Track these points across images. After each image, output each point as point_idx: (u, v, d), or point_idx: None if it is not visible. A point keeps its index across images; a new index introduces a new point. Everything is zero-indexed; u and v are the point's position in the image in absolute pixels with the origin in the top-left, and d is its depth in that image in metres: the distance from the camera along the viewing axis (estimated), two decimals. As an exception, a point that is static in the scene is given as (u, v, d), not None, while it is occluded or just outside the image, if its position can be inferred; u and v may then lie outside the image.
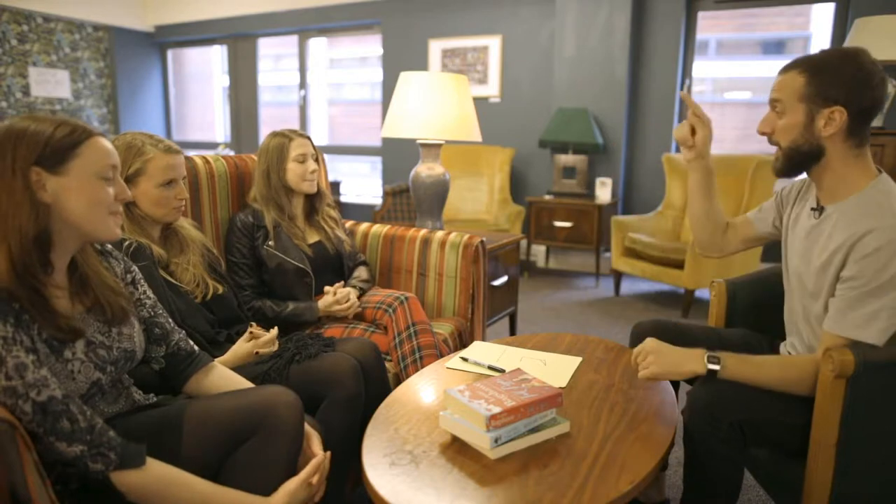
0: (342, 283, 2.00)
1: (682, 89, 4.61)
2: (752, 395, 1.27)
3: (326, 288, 1.94)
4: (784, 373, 1.29)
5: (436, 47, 5.41)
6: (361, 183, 6.52)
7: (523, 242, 4.78)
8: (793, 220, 1.47)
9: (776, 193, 1.58)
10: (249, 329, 1.55)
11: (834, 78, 1.24)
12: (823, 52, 1.29)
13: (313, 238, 2.05)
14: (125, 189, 1.07)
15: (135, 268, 1.25)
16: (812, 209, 1.39)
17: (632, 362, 1.41)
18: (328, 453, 1.20)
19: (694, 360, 1.32)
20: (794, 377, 1.28)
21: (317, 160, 2.04)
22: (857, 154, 1.29)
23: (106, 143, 1.04)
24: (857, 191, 1.29)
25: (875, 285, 1.20)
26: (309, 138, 2.03)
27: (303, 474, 1.12)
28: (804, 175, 1.40)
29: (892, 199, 1.25)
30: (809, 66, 1.27)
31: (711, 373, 1.29)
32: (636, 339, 1.71)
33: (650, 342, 1.38)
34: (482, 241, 2.20)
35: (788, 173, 1.36)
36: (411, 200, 4.42)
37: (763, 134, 1.37)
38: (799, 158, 1.32)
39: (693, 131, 1.52)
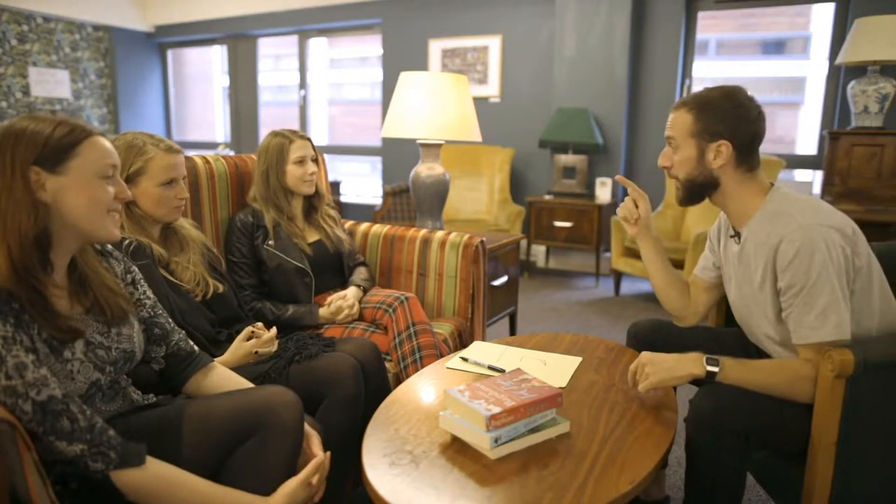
0: (341, 290, 2.00)
1: (682, 89, 4.61)
2: (755, 401, 1.27)
3: (329, 299, 1.94)
4: (778, 377, 1.29)
5: (436, 47, 5.41)
6: (361, 183, 6.52)
7: (523, 242, 4.78)
8: (724, 253, 1.55)
9: (708, 237, 1.65)
10: (251, 328, 1.54)
11: (717, 114, 1.36)
12: (707, 90, 1.40)
13: (313, 237, 2.05)
14: (125, 188, 1.07)
15: (135, 268, 1.25)
16: (731, 236, 1.50)
17: (629, 380, 1.40)
18: (328, 453, 1.20)
19: (691, 363, 1.32)
20: (786, 381, 1.28)
21: (316, 161, 2.04)
22: (749, 178, 1.40)
23: (105, 143, 1.04)
24: (756, 209, 1.39)
25: (811, 284, 1.25)
26: (309, 140, 2.03)
27: (302, 474, 1.12)
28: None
29: (789, 205, 1.34)
30: (696, 105, 1.39)
31: (710, 375, 1.29)
32: (633, 339, 1.71)
33: (644, 355, 1.38)
34: (482, 241, 2.20)
35: (690, 202, 1.47)
36: (411, 200, 4.42)
37: (663, 168, 1.48)
38: (697, 189, 1.44)
39: (636, 205, 1.62)
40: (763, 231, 1.36)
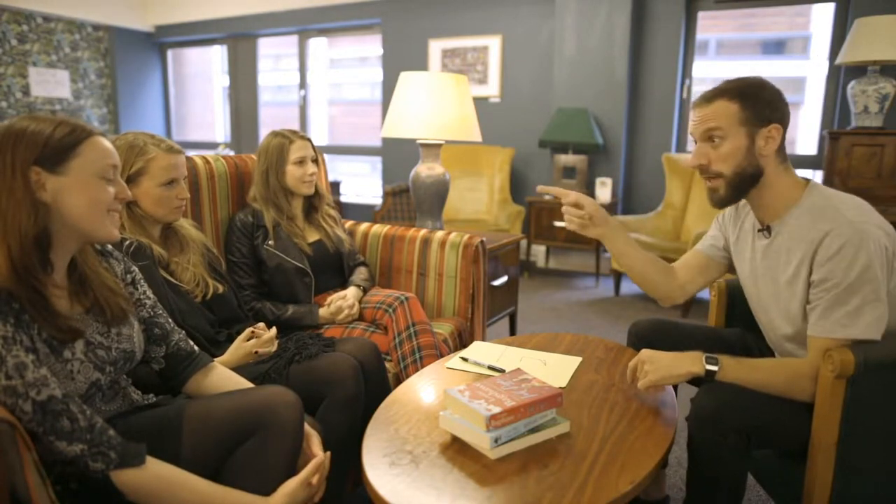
0: (341, 290, 2.00)
1: (682, 89, 4.61)
2: (756, 400, 1.27)
3: (329, 299, 1.94)
4: (777, 376, 1.29)
5: (436, 47, 5.41)
6: (361, 183, 6.52)
7: (523, 242, 4.78)
8: (734, 245, 1.52)
9: (716, 220, 1.62)
10: (252, 329, 1.54)
11: (763, 99, 1.30)
12: (733, 81, 1.34)
13: (313, 237, 2.05)
14: (125, 188, 1.07)
15: (135, 268, 1.25)
16: (759, 230, 1.43)
17: (628, 377, 1.40)
18: (328, 453, 1.20)
19: (691, 362, 1.32)
20: (785, 379, 1.27)
21: (316, 161, 2.04)
22: (786, 168, 1.35)
23: (106, 143, 1.04)
24: (795, 203, 1.34)
25: (848, 282, 1.22)
26: (309, 140, 2.03)
27: (302, 474, 1.12)
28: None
29: (832, 200, 1.30)
30: (737, 93, 1.31)
31: (710, 374, 1.29)
32: (633, 338, 1.71)
33: (644, 352, 1.38)
34: (482, 241, 2.20)
35: (731, 201, 1.39)
36: (411, 200, 4.42)
37: (698, 167, 1.37)
38: (744, 184, 1.35)
39: (579, 207, 1.54)
40: (803, 225, 1.31)
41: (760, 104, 1.30)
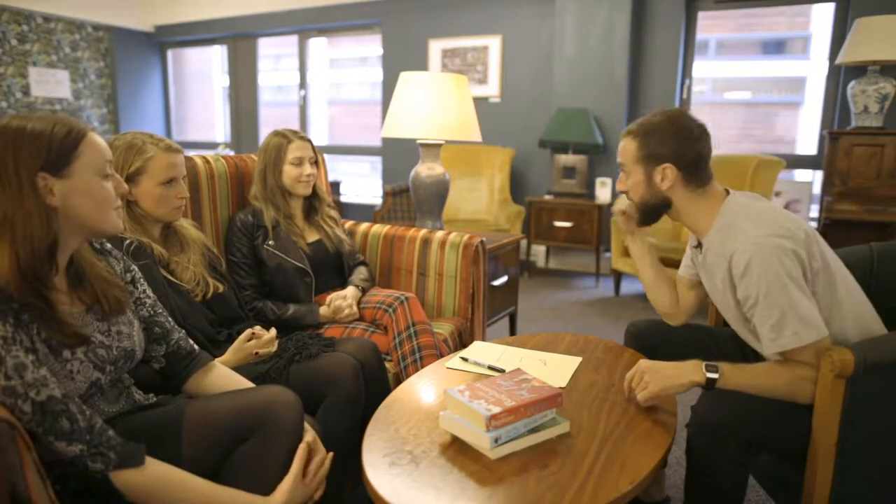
0: (341, 290, 2.00)
1: (682, 89, 4.61)
2: (757, 407, 1.27)
3: (328, 299, 1.94)
4: (778, 380, 1.28)
5: (436, 47, 5.40)
6: (361, 183, 6.52)
7: (523, 242, 4.78)
8: (697, 262, 1.58)
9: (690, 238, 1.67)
10: (252, 330, 1.54)
11: (659, 139, 1.42)
12: (650, 116, 1.46)
13: (313, 237, 2.05)
14: (121, 182, 1.08)
15: (134, 267, 1.25)
16: (694, 247, 1.55)
17: (625, 388, 1.37)
18: (312, 437, 1.19)
19: (691, 371, 1.30)
20: (786, 383, 1.27)
21: (316, 163, 2.03)
22: (700, 194, 1.44)
23: (99, 139, 1.04)
24: (713, 221, 1.43)
25: (763, 296, 1.26)
26: (309, 141, 2.02)
27: (293, 470, 1.11)
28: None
29: (739, 217, 1.36)
30: (639, 132, 1.45)
31: (710, 381, 1.28)
32: (631, 338, 1.71)
33: (642, 363, 1.37)
34: (482, 241, 2.20)
35: (647, 222, 1.54)
36: (411, 200, 4.42)
37: (621, 192, 1.54)
38: (651, 210, 1.49)
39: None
40: (718, 243, 1.40)
41: (656, 144, 1.42)
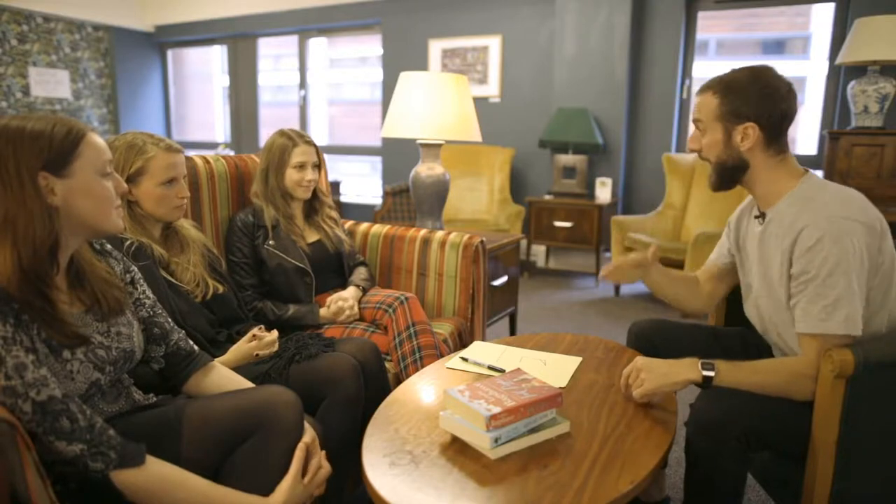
0: (341, 290, 2.00)
1: (682, 89, 4.61)
2: (756, 405, 1.26)
3: (328, 299, 1.94)
4: (775, 377, 1.28)
5: (436, 47, 5.40)
6: (361, 183, 6.52)
7: (523, 242, 4.78)
8: (743, 239, 1.53)
9: (727, 224, 1.64)
10: (253, 331, 1.54)
11: (743, 96, 1.34)
12: (733, 72, 1.38)
13: (313, 237, 2.05)
14: (121, 181, 1.08)
15: (134, 268, 1.25)
16: (755, 217, 1.47)
17: (621, 385, 1.37)
18: (312, 435, 1.19)
19: (687, 369, 1.30)
20: (784, 380, 1.27)
21: (318, 167, 2.03)
22: (779, 160, 1.37)
23: (98, 139, 1.04)
24: (788, 191, 1.36)
25: (824, 276, 1.23)
26: (314, 146, 2.02)
27: (292, 470, 1.11)
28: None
29: (821, 192, 1.31)
30: (721, 87, 1.36)
31: (707, 380, 1.28)
32: (634, 338, 1.71)
33: (638, 360, 1.36)
34: (482, 241, 2.20)
35: (722, 187, 1.44)
36: (411, 200, 4.42)
37: (693, 151, 1.45)
38: (727, 173, 1.40)
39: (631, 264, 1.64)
40: (789, 214, 1.33)
41: (739, 101, 1.33)
